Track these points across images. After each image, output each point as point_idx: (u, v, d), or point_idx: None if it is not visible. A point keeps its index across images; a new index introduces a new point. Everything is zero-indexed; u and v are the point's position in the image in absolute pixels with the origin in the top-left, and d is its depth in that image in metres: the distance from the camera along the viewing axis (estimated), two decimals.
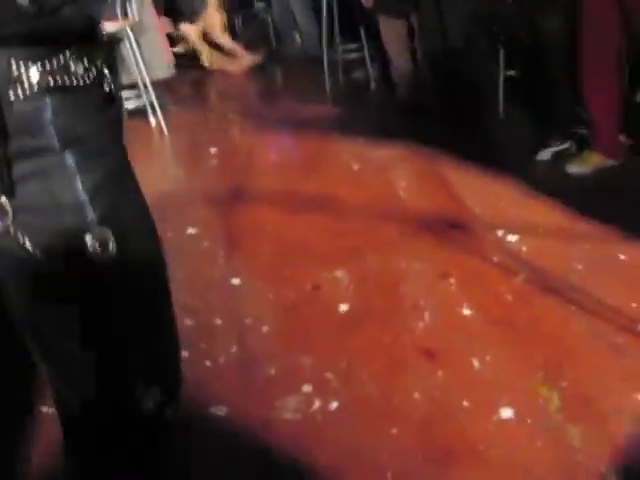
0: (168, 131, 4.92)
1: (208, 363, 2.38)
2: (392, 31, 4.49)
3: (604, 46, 3.16)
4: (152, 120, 4.97)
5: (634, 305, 2.38)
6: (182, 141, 4.93)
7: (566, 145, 3.60)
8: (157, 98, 5.03)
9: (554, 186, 3.30)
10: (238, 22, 7.29)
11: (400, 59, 4.57)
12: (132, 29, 4.92)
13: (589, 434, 1.90)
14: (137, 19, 4.99)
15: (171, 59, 5.54)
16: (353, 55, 5.52)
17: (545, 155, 3.61)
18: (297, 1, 6.21)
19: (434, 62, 4.18)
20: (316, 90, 5.32)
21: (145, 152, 4.51)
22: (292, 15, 6.31)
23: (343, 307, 2.59)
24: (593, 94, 3.31)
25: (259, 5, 7.12)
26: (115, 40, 4.91)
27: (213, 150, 4.48)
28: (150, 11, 5.28)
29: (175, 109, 5.48)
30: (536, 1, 3.45)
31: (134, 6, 4.97)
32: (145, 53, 5.07)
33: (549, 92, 3.60)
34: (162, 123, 4.88)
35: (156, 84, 5.23)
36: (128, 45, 4.96)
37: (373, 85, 5.17)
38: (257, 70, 6.54)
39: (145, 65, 4.99)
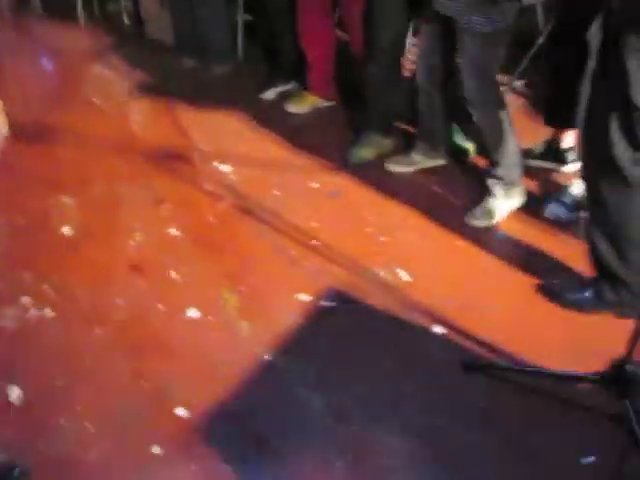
0: None
1: None
2: None
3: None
4: None
5: (314, 224, 2.89)
6: None
7: (289, 86, 4.02)
8: None
9: (273, 123, 3.73)
10: None
11: None
12: None
13: (256, 326, 2.38)
14: None
15: None
16: None
17: (270, 95, 4.02)
18: None
19: (175, 5, 4.40)
20: (71, 23, 5.33)
21: None
22: None
23: (66, 229, 2.88)
24: (308, 38, 3.73)
25: None
26: None
27: None
28: None
29: None
30: None
31: None
32: None
33: (274, 35, 4.01)
34: None
35: None
36: None
37: (126, 20, 5.28)
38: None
39: None
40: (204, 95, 4.02)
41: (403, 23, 3.22)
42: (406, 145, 3.33)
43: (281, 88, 4.03)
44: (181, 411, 2.05)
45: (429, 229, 2.86)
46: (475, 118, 2.85)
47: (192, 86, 4.16)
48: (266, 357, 2.25)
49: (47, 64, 4.75)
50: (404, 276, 2.61)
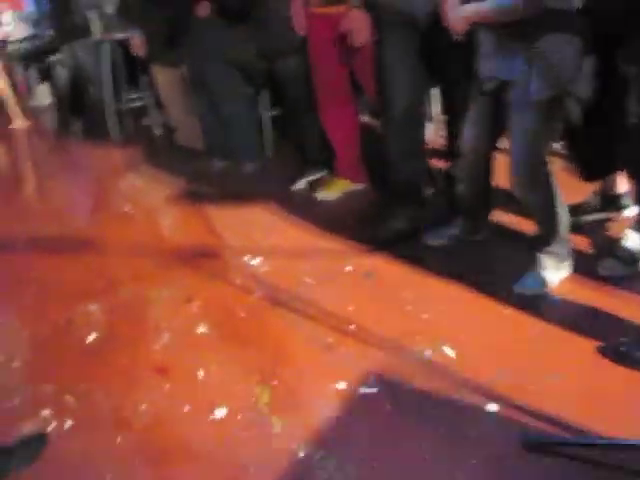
0: None
1: None
2: (164, 78, 4.72)
3: (333, 83, 3.54)
4: None
5: (349, 308, 2.70)
6: None
7: (319, 175, 3.94)
8: None
9: (303, 211, 3.62)
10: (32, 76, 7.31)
11: (173, 106, 4.81)
12: None
13: (289, 421, 2.16)
14: None
15: None
16: (139, 103, 5.68)
17: (301, 185, 3.94)
18: (87, 55, 6.31)
19: (203, 110, 4.44)
20: (106, 137, 5.46)
21: None
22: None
23: (91, 337, 2.74)
24: (332, 127, 3.68)
25: (54, 57, 7.10)
26: None
27: None
28: None
29: None
30: (274, 46, 3.79)
31: None
32: None
33: (298, 126, 3.97)
34: None
35: None
36: None
37: (157, 131, 5.37)
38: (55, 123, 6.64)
39: None
40: (234, 193, 3.99)
41: (417, 89, 3.08)
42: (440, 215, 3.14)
43: (311, 177, 3.94)
44: None
45: (473, 300, 2.65)
46: (521, 197, 2.63)
47: (222, 186, 4.14)
48: (301, 454, 2.02)
49: (83, 180, 4.80)
50: (450, 353, 2.38)
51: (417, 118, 3.16)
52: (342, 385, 2.29)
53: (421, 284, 2.81)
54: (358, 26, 3.17)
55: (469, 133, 2.72)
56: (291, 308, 2.77)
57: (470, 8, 2.43)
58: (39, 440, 2.18)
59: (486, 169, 2.83)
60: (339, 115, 3.65)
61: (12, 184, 5.07)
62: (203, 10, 4.03)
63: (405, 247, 3.07)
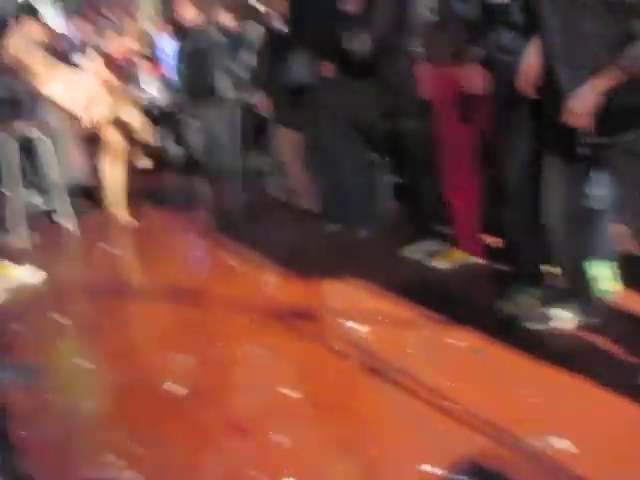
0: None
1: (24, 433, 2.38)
2: (285, 141, 4.70)
3: (457, 145, 3.34)
4: (63, 222, 5.05)
5: (453, 384, 2.43)
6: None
7: (434, 244, 3.71)
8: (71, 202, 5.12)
9: (414, 280, 3.40)
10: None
11: (293, 167, 4.76)
12: (44, 132, 5.07)
13: None
14: (47, 122, 5.14)
15: (83, 165, 5.64)
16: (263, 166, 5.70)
17: (414, 252, 3.72)
18: (218, 118, 6.46)
19: (319, 174, 4.36)
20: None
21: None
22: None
23: (174, 388, 2.61)
24: (453, 194, 3.47)
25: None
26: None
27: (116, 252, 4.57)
28: (60, 115, 5.42)
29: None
30: (397, 105, 3.65)
31: (43, 110, 5.14)
32: (58, 157, 5.20)
33: (416, 192, 3.78)
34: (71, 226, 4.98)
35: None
36: (41, 148, 5.10)
37: (278, 193, 5.33)
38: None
39: (58, 168, 5.11)
40: (344, 257, 3.84)
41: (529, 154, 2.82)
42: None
43: (426, 246, 3.72)
44: None
45: (591, 389, 2.30)
46: None
47: (333, 249, 3.98)
48: None
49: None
50: (563, 446, 2.04)
51: (532, 187, 2.88)
52: (430, 469, 2.01)
53: (532, 367, 2.49)
54: (472, 79, 2.98)
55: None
56: (386, 378, 2.53)
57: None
58: None
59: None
60: (462, 181, 3.42)
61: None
62: (328, 71, 3.95)
63: (516, 326, 2.76)
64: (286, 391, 2.51)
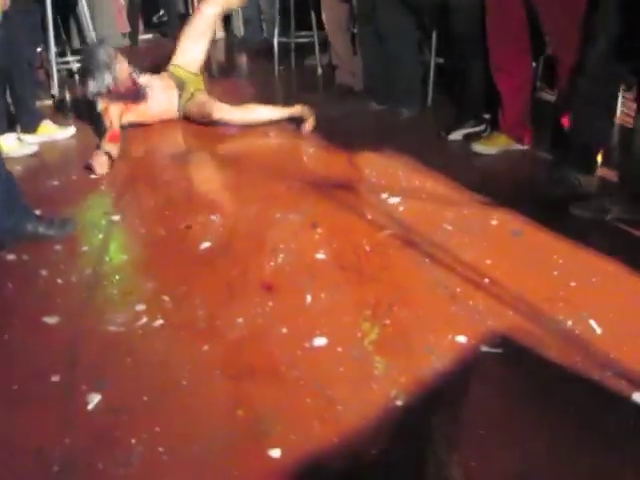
0: None
1: (60, 281, 2.38)
2: (332, 13, 4.49)
3: (510, 24, 3.16)
4: None
5: (488, 262, 2.37)
6: None
7: (479, 127, 3.59)
8: None
9: (454, 161, 3.31)
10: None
11: (338, 42, 4.58)
12: None
13: (392, 365, 1.88)
14: None
15: (125, 28, 5.53)
16: (306, 41, 5.52)
17: (457, 136, 3.61)
18: None
19: (367, 48, 4.19)
20: (266, 74, 5.34)
21: None
22: (257, 3, 6.33)
23: (205, 244, 2.59)
24: (502, 75, 3.31)
25: None
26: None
27: None
28: None
29: None
30: None
31: None
32: (97, 19, 5.08)
33: (463, 73, 3.63)
34: None
35: None
36: (81, 8, 4.98)
37: (320, 70, 5.17)
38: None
39: (95, 30, 5.00)
40: (385, 136, 3.74)
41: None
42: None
43: (469, 129, 3.60)
44: (275, 452, 1.58)
45: (628, 277, 2.22)
46: None
47: (375, 127, 3.88)
48: (398, 402, 1.73)
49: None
50: (596, 328, 1.99)
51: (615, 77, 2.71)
52: (461, 339, 1.97)
53: (572, 252, 2.41)
54: None
55: None
56: (422, 250, 2.47)
57: None
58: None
59: None
60: (512, 62, 3.25)
61: None
62: None
63: (559, 211, 2.67)
64: (319, 255, 2.47)
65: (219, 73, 5.92)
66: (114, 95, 3.66)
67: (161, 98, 3.84)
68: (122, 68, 3.66)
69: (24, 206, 2.65)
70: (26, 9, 3.73)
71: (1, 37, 3.38)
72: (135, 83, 3.70)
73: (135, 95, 3.70)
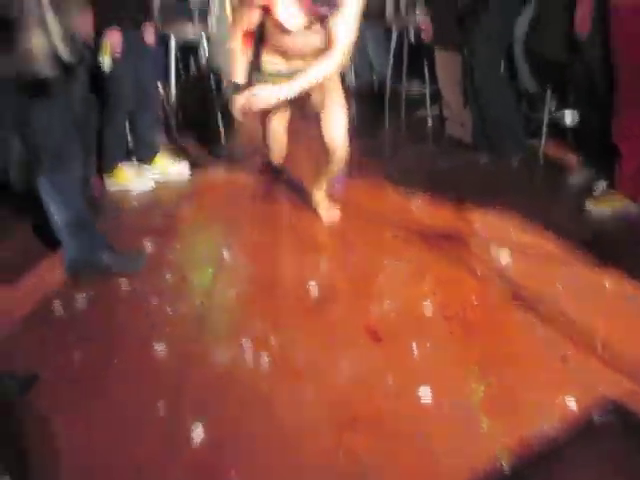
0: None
1: (169, 310, 2.50)
2: (445, 65, 4.51)
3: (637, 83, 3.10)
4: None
5: (601, 325, 2.31)
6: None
7: (597, 183, 3.51)
8: None
9: (566, 216, 3.26)
10: None
11: (449, 93, 4.58)
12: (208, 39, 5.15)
13: (497, 424, 1.86)
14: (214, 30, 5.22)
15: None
16: (417, 93, 5.56)
17: (577, 180, 3.58)
18: (372, 38, 6.33)
19: (475, 98, 4.18)
20: (376, 124, 5.39)
21: None
22: (367, 51, 6.43)
23: (315, 288, 2.63)
24: (623, 131, 3.23)
25: None
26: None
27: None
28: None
29: None
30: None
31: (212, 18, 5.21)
32: (217, 63, 5.27)
33: (585, 123, 3.58)
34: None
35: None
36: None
37: (430, 122, 5.19)
38: None
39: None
40: (495, 188, 3.68)
41: None
42: None
43: (587, 175, 3.54)
44: None
45: None
46: None
47: (484, 179, 3.84)
48: (502, 463, 1.70)
49: None
50: None
51: None
52: (571, 403, 1.92)
53: None
54: None
55: None
56: (531, 308, 2.42)
57: None
58: None
59: None
60: (634, 121, 3.18)
61: None
62: None
63: None
64: (426, 305, 2.47)
65: None
66: None
67: None
68: None
69: (99, 237, 2.76)
70: (153, 47, 3.91)
71: (128, 73, 3.56)
72: None
73: None
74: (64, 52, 2.41)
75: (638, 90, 3.11)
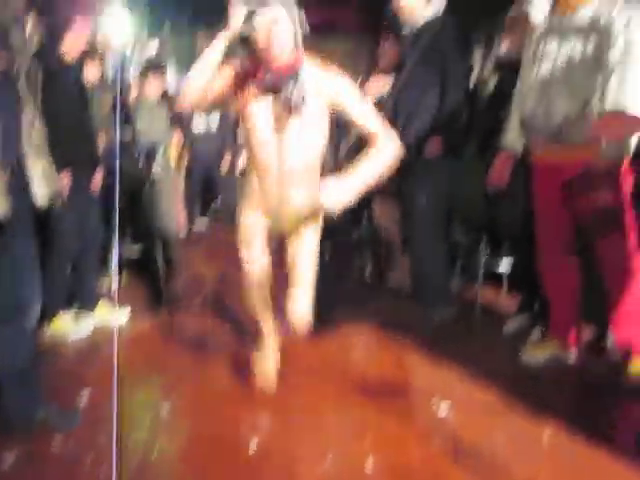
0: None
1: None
2: (384, 209, 4.68)
3: (556, 238, 3.27)
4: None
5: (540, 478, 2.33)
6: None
7: (533, 329, 3.63)
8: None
9: (503, 365, 3.35)
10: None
11: (389, 238, 4.74)
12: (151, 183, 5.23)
13: None
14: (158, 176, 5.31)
15: (183, 225, 5.72)
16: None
17: (512, 327, 3.74)
18: None
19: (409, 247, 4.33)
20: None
21: None
22: None
23: (253, 445, 2.60)
24: (549, 278, 3.37)
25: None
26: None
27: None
28: (172, 172, 5.62)
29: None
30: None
31: (156, 163, 5.31)
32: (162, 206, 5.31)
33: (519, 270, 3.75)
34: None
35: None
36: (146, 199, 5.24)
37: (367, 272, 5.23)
38: None
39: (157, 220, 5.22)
40: (433, 336, 3.73)
41: None
42: None
43: (522, 321, 3.74)
44: None
45: None
46: None
47: (423, 329, 3.88)
48: None
49: None
50: None
51: None
52: None
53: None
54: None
55: None
56: (471, 461, 2.45)
57: None
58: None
59: None
60: (558, 267, 3.32)
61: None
62: (435, 148, 3.90)
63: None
64: (368, 467, 2.45)
65: None
66: None
67: None
68: None
69: (37, 390, 2.71)
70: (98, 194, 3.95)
71: (74, 219, 3.59)
72: None
73: None
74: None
75: (549, 241, 3.28)
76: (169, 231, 5.06)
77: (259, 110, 2.61)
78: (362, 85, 4.73)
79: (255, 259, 2.89)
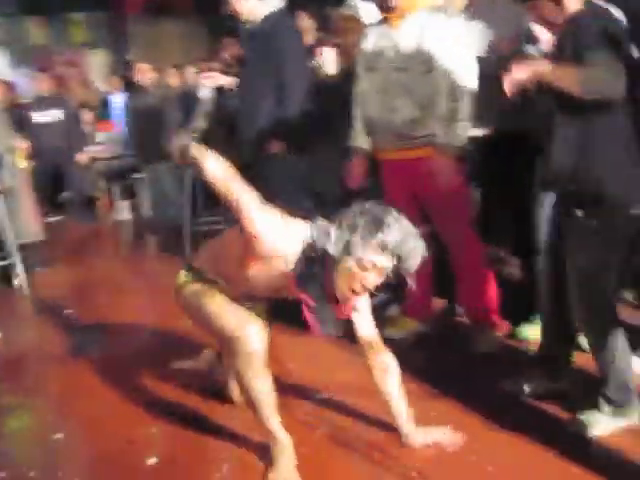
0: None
1: None
2: None
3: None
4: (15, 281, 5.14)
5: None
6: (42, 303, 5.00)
7: (388, 306, 3.91)
8: (23, 260, 5.19)
9: None
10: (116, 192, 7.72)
11: None
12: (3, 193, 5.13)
13: None
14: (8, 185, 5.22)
15: (40, 225, 5.72)
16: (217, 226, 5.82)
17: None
18: (169, 177, 6.64)
19: None
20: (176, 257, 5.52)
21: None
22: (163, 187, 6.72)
23: (151, 460, 2.73)
24: None
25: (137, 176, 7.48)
26: None
27: (69, 311, 4.62)
28: (22, 178, 5.53)
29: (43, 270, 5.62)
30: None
31: (5, 172, 5.21)
32: (15, 217, 5.24)
33: None
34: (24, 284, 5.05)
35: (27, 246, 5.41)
36: None
37: None
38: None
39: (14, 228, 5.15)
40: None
41: None
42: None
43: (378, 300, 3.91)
44: None
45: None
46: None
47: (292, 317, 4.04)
48: None
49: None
50: None
51: None
52: None
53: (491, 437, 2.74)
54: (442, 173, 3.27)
55: None
56: (356, 449, 2.70)
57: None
58: None
59: None
60: None
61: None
62: (275, 146, 3.98)
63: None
64: (261, 463, 2.65)
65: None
66: None
67: None
68: None
69: None
70: None
71: None
72: None
73: None
74: None
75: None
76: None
77: None
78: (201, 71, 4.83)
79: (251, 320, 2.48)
